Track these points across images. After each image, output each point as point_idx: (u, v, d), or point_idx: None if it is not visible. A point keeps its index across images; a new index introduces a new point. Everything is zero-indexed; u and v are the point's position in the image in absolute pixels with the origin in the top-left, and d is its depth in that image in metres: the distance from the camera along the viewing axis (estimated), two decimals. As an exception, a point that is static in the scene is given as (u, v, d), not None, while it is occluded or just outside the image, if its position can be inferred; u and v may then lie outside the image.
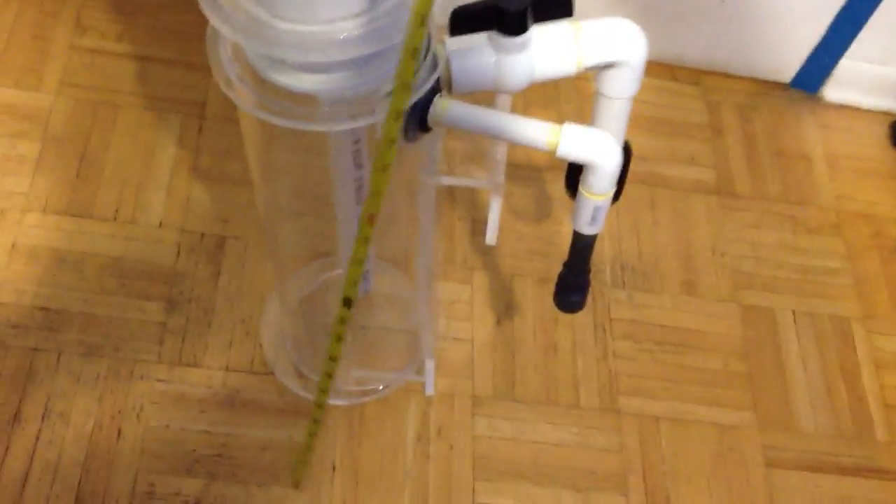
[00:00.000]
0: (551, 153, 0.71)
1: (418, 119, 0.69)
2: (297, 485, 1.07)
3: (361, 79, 0.64)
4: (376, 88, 0.65)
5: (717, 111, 1.48)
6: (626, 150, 0.77)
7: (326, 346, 0.78)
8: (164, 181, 1.24)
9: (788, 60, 1.50)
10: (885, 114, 1.52)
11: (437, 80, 0.69)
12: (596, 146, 0.71)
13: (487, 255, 1.27)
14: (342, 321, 0.75)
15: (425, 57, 0.67)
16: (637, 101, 0.76)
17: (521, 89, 0.73)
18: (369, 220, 0.66)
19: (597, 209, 0.76)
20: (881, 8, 1.38)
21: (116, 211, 1.21)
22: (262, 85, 0.65)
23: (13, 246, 1.16)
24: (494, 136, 0.72)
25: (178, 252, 1.20)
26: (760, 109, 1.50)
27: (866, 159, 1.48)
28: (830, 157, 1.46)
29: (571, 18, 0.72)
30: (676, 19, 1.44)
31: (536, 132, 0.70)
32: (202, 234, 1.21)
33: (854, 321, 1.30)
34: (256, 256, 1.21)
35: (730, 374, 1.23)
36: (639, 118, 1.26)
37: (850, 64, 1.48)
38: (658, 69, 1.50)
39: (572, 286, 0.88)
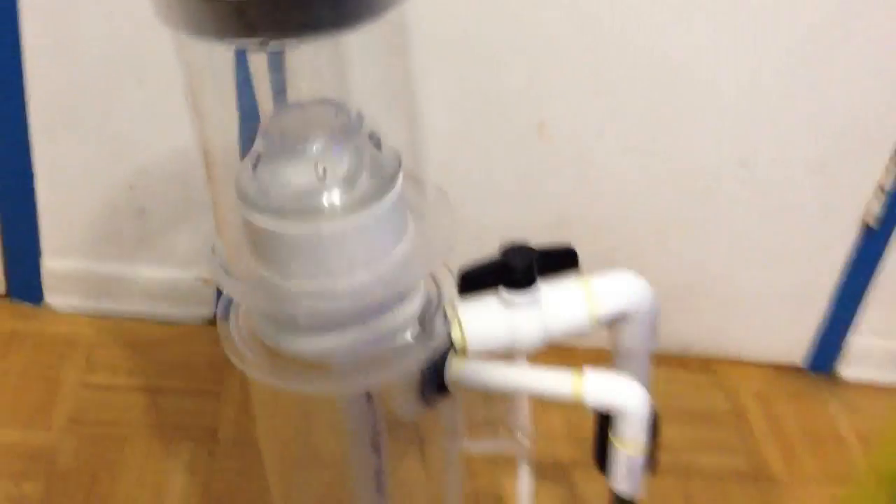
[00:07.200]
0: (577, 403, 0.68)
1: (436, 381, 0.68)
2: None
3: (372, 334, 0.63)
4: (390, 344, 0.64)
5: (736, 397, 1.45)
6: (655, 416, 0.75)
7: None
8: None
9: (797, 343, 1.50)
10: (905, 387, 1.48)
11: (452, 341, 0.68)
12: (623, 389, 0.68)
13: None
14: None
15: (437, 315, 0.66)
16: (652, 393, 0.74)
17: (537, 347, 0.72)
18: None
19: (631, 462, 0.72)
20: (879, 284, 1.41)
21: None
22: (275, 357, 0.64)
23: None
24: (517, 392, 0.70)
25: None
26: (779, 393, 1.47)
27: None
28: (860, 435, 1.42)
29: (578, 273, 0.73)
30: (680, 312, 1.46)
31: (559, 382, 0.68)
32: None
33: None
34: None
35: None
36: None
37: (861, 340, 1.48)
38: (668, 360, 1.49)
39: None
